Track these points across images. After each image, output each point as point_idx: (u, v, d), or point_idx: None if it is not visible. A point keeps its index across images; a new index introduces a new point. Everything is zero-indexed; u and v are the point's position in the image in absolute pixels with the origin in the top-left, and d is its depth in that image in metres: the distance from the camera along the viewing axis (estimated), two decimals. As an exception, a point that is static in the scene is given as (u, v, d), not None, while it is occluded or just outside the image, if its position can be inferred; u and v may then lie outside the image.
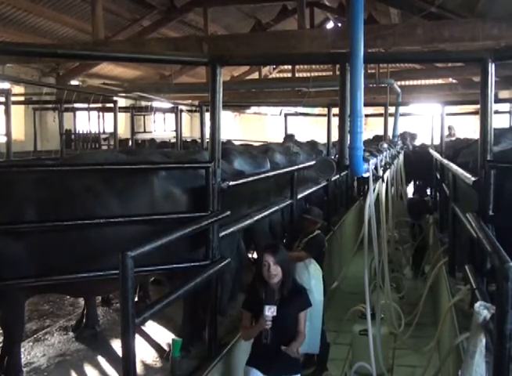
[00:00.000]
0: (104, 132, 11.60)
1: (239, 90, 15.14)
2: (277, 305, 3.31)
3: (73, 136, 11.82)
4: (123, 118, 14.73)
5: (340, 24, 16.41)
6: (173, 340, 3.47)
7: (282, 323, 3.34)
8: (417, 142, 15.12)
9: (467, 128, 19.92)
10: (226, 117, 24.37)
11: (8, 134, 7.20)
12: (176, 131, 10.48)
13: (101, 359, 3.91)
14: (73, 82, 14.11)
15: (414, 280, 7.34)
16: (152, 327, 4.39)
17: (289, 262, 3.54)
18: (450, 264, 4.90)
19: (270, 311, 3.25)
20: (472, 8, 8.63)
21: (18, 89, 13.05)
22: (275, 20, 15.54)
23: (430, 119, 10.95)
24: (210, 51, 9.20)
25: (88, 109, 10.62)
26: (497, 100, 9.37)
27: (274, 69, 22.24)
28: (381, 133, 11.64)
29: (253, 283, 3.61)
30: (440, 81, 18.05)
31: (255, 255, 5.65)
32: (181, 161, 4.47)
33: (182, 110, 11.33)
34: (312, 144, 10.57)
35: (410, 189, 13.88)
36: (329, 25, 18.11)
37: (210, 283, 3.66)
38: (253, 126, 25.92)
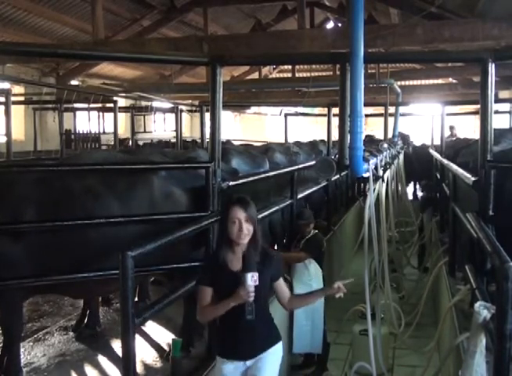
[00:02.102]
0: (104, 132, 11.60)
1: (239, 90, 15.14)
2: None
3: (73, 136, 11.81)
4: (123, 118, 14.73)
5: (340, 24, 16.41)
6: (173, 340, 3.47)
7: (257, 292, 2.75)
8: (415, 143, 15.14)
9: (467, 128, 19.93)
10: (226, 117, 24.36)
11: (8, 134, 7.20)
12: (176, 131, 10.48)
13: (101, 359, 3.91)
14: (73, 82, 14.11)
15: (419, 276, 7.33)
16: (152, 327, 4.39)
17: (257, 219, 2.92)
18: (450, 264, 4.90)
19: (253, 279, 2.67)
20: (472, 8, 8.63)
21: (18, 89, 13.05)
22: (275, 20, 15.54)
23: (430, 119, 10.95)
24: (210, 51, 9.20)
25: (88, 109, 10.62)
26: (497, 100, 9.36)
27: (274, 69, 22.24)
28: (380, 133, 11.66)
29: (213, 251, 3.09)
30: (440, 81, 18.04)
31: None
32: (181, 161, 4.47)
33: (182, 110, 11.33)
34: (313, 144, 10.58)
35: (410, 190, 13.87)
36: (329, 25, 18.10)
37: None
38: (253, 126, 25.92)
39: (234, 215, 2.78)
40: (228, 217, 2.80)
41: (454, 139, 11.82)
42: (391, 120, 10.65)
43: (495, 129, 3.64)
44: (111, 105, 9.94)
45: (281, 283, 2.99)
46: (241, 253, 2.83)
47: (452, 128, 13.53)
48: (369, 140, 11.63)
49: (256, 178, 4.54)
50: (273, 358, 2.93)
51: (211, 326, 3.67)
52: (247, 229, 2.78)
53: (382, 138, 12.84)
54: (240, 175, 4.75)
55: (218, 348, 2.99)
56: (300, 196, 5.48)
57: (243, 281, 2.67)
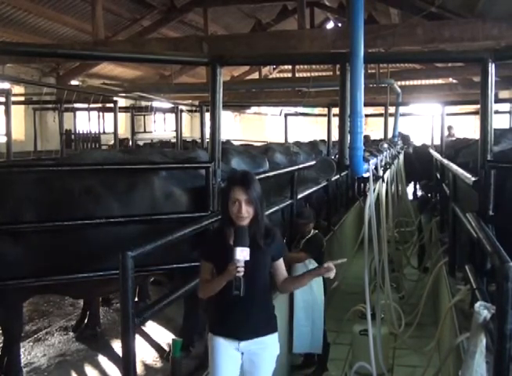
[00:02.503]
0: (104, 132, 11.59)
1: (239, 90, 15.14)
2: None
3: (73, 136, 11.81)
4: (123, 118, 14.73)
5: (340, 24, 16.43)
6: (173, 340, 3.46)
7: (252, 272, 2.65)
8: (415, 143, 15.13)
9: (467, 128, 19.94)
10: (226, 117, 24.37)
11: (8, 134, 7.20)
12: (176, 131, 10.48)
13: (101, 359, 3.91)
14: (74, 82, 14.11)
15: (419, 276, 7.33)
16: (152, 327, 4.39)
17: (262, 200, 2.76)
18: (450, 264, 4.90)
19: (242, 254, 2.56)
20: (472, 8, 8.64)
21: (18, 89, 13.05)
22: (275, 20, 15.55)
23: (430, 119, 10.95)
24: (210, 51, 9.20)
25: (88, 109, 10.62)
26: (497, 100, 9.36)
27: (274, 69, 22.25)
28: (380, 133, 11.66)
29: (217, 227, 2.99)
30: (440, 81, 18.05)
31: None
32: (181, 161, 4.47)
33: (182, 110, 11.33)
34: (313, 144, 10.58)
35: (410, 190, 13.87)
36: (330, 25, 18.11)
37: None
38: (253, 126, 25.93)
39: (234, 196, 2.67)
40: (228, 196, 2.70)
41: (454, 139, 11.81)
42: (391, 120, 10.65)
43: (495, 129, 3.64)
44: (111, 105, 9.94)
45: (280, 264, 2.88)
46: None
47: (450, 128, 13.53)
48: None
49: (256, 178, 4.53)
50: (270, 354, 2.84)
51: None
52: (247, 211, 2.66)
53: (378, 138, 12.90)
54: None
55: (209, 323, 2.92)
56: (300, 196, 5.48)
57: (232, 255, 2.58)
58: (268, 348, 2.81)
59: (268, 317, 2.84)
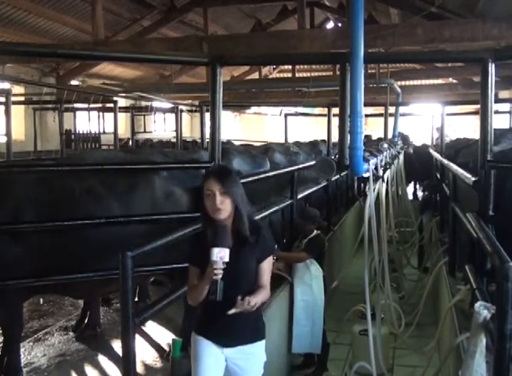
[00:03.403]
0: (104, 132, 11.60)
1: (239, 90, 15.14)
2: (231, 249, 2.46)
3: (73, 136, 11.82)
4: (123, 118, 14.73)
5: (340, 24, 16.43)
6: (173, 340, 3.47)
7: (236, 275, 2.52)
8: (416, 143, 15.14)
9: (467, 128, 19.95)
10: (226, 117, 24.37)
11: (8, 134, 7.20)
12: (176, 131, 10.48)
13: (101, 359, 3.91)
14: (74, 82, 14.11)
15: (419, 276, 7.33)
16: (152, 327, 4.39)
17: (242, 194, 2.59)
18: (450, 264, 4.90)
19: (219, 255, 2.40)
20: (472, 8, 8.64)
21: (18, 89, 13.05)
22: (275, 20, 15.55)
23: (430, 119, 10.95)
24: (210, 51, 9.20)
25: (88, 109, 10.62)
26: (497, 100, 9.37)
27: (274, 69, 22.25)
28: (380, 133, 11.66)
29: (201, 229, 2.78)
30: (440, 81, 18.05)
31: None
32: (182, 161, 4.47)
33: (182, 110, 11.33)
34: (314, 144, 10.59)
35: (410, 190, 13.88)
36: (330, 25, 18.11)
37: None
38: (253, 126, 25.94)
39: (207, 187, 2.52)
40: (203, 189, 2.56)
41: (447, 139, 11.78)
42: (391, 120, 10.65)
43: (495, 129, 3.64)
44: (111, 105, 9.94)
45: (263, 269, 2.66)
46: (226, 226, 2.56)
47: (438, 129, 13.52)
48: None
49: (256, 178, 4.54)
50: (256, 363, 2.73)
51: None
52: (222, 202, 2.49)
53: (377, 138, 12.91)
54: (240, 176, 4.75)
55: (195, 322, 2.79)
56: (300, 196, 5.48)
57: (209, 257, 2.43)
58: (253, 357, 2.70)
59: (254, 324, 2.69)
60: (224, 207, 2.51)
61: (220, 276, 2.42)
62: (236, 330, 2.61)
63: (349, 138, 3.93)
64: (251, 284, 2.62)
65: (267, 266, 2.68)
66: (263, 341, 2.74)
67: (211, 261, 2.42)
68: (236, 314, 2.52)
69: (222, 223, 2.53)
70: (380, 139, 11.40)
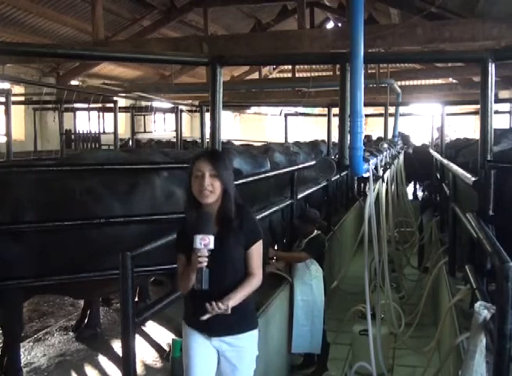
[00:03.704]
0: (104, 132, 11.59)
1: (239, 90, 15.14)
2: (216, 236, 2.37)
3: (73, 136, 11.81)
4: (123, 118, 14.73)
5: (340, 24, 16.42)
6: (173, 340, 3.46)
7: (223, 263, 2.44)
8: (416, 143, 15.15)
9: (467, 128, 19.95)
10: (226, 117, 24.38)
11: (8, 134, 7.20)
12: (176, 131, 10.48)
13: (101, 360, 3.91)
14: (74, 82, 14.11)
15: (419, 276, 7.33)
16: (152, 327, 4.39)
17: (231, 178, 2.51)
18: (450, 264, 4.90)
19: (203, 242, 2.32)
20: (472, 8, 8.63)
21: (18, 89, 13.05)
22: (275, 20, 15.54)
23: (430, 119, 10.95)
24: (210, 51, 9.20)
25: (88, 109, 10.62)
26: (497, 100, 9.36)
27: (274, 69, 22.25)
28: (380, 133, 11.66)
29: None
30: (440, 81, 18.05)
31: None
32: (182, 161, 4.47)
33: (182, 110, 11.33)
34: (315, 144, 10.59)
35: (410, 190, 13.88)
36: (330, 25, 18.11)
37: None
38: (253, 126, 25.94)
39: (197, 167, 2.43)
40: (191, 171, 2.46)
41: (446, 139, 11.78)
42: (391, 120, 10.65)
43: (495, 129, 3.64)
44: (111, 105, 9.94)
45: (252, 254, 2.54)
46: (211, 212, 2.47)
47: (438, 129, 13.53)
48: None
49: (256, 178, 4.54)
50: (246, 357, 2.61)
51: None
52: (211, 184, 2.40)
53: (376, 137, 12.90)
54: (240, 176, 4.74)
55: (184, 311, 2.70)
56: (300, 196, 5.48)
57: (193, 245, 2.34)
58: (243, 351, 2.59)
59: (243, 314, 2.56)
60: (212, 190, 2.42)
61: (205, 264, 2.34)
62: (223, 319, 2.46)
63: (349, 138, 3.94)
64: (240, 272, 2.53)
65: (255, 252, 2.56)
66: (253, 333, 2.63)
67: (195, 248, 2.34)
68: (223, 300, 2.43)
69: (206, 209, 2.45)
70: (380, 139, 11.41)
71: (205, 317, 2.40)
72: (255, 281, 2.54)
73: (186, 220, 2.53)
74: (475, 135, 11.77)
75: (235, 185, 2.58)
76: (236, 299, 2.44)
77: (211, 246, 2.34)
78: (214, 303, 2.36)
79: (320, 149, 10.06)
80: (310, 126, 22.96)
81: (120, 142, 12.85)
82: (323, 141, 11.04)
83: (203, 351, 2.59)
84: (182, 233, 2.56)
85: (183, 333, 2.65)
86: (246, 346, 2.60)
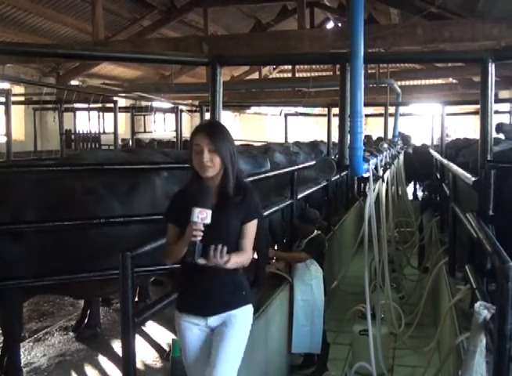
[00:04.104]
0: (104, 132, 11.60)
1: (239, 90, 15.14)
2: (213, 211, 2.31)
3: (73, 136, 11.81)
4: (123, 118, 14.73)
5: (340, 24, 16.42)
6: (173, 340, 3.46)
7: (217, 238, 2.36)
8: (416, 143, 15.15)
9: (467, 128, 19.96)
10: (226, 117, 24.37)
11: (8, 134, 7.20)
12: (176, 131, 10.48)
13: (101, 360, 3.91)
14: (74, 82, 14.11)
15: (419, 276, 7.34)
16: (152, 327, 4.39)
17: (232, 152, 2.45)
18: (450, 264, 4.90)
19: (200, 216, 2.27)
20: (472, 8, 8.64)
21: (18, 89, 13.05)
22: (275, 20, 15.54)
23: (430, 119, 10.95)
24: (210, 51, 9.20)
25: (88, 109, 10.62)
26: (497, 100, 9.36)
27: (274, 69, 22.25)
28: (380, 133, 11.66)
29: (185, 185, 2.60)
30: (440, 81, 18.06)
31: (255, 256, 5.64)
32: (182, 161, 4.47)
33: (182, 110, 11.33)
34: (315, 144, 10.59)
35: (410, 190, 13.88)
36: (330, 25, 18.11)
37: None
38: (253, 126, 25.94)
39: (196, 142, 2.40)
40: (191, 145, 2.44)
41: (448, 139, 11.80)
42: (391, 120, 10.65)
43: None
44: (111, 105, 9.94)
45: (248, 229, 2.50)
46: (211, 186, 2.42)
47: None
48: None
49: (256, 178, 4.54)
50: (240, 322, 2.53)
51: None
52: (210, 160, 2.36)
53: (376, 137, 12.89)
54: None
55: (176, 300, 2.64)
56: (300, 196, 5.48)
57: (190, 217, 2.28)
58: (236, 321, 2.52)
59: (237, 289, 2.54)
60: (212, 165, 2.38)
61: (199, 238, 2.29)
62: (217, 296, 2.48)
63: (349, 138, 3.94)
64: (232, 247, 2.43)
65: (250, 230, 2.51)
66: (249, 306, 2.58)
67: (191, 221, 2.28)
68: (215, 278, 2.43)
69: (207, 183, 2.41)
70: (380, 139, 11.41)
71: (202, 262, 2.32)
72: (247, 256, 2.49)
73: (185, 191, 2.51)
74: (475, 135, 11.78)
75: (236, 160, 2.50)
76: (232, 261, 2.36)
77: (208, 221, 2.29)
78: (219, 246, 2.29)
79: (320, 149, 10.06)
80: (310, 126, 22.97)
81: (122, 142, 12.94)
82: (322, 141, 11.05)
83: (198, 337, 2.54)
84: (177, 203, 2.51)
85: (176, 323, 2.58)
86: (240, 317, 2.53)
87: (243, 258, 2.47)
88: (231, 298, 2.51)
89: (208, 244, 2.30)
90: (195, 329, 2.54)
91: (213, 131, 2.44)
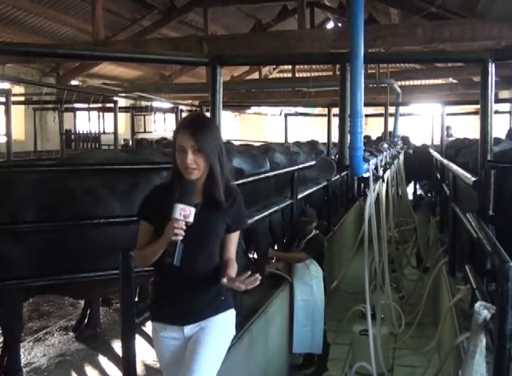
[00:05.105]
0: (104, 132, 11.60)
1: (239, 90, 15.14)
2: (197, 210, 2.14)
3: (73, 136, 11.81)
4: (123, 118, 14.73)
5: (340, 24, 16.42)
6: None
7: (199, 240, 2.22)
8: (416, 143, 15.14)
9: (467, 128, 19.94)
10: (226, 117, 24.37)
11: (8, 134, 7.20)
12: (176, 131, 10.45)
13: (101, 360, 3.91)
14: (74, 82, 14.11)
15: (419, 276, 7.34)
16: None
17: (219, 151, 2.23)
18: (450, 264, 4.90)
19: (184, 213, 2.09)
20: (472, 8, 8.63)
21: (18, 89, 13.04)
22: (275, 20, 15.54)
23: (431, 119, 10.95)
24: (210, 51, 9.20)
25: (88, 109, 10.62)
26: (497, 100, 9.36)
27: (274, 69, 22.24)
28: (380, 133, 11.68)
29: (166, 181, 2.39)
30: (440, 81, 18.05)
31: (255, 255, 5.65)
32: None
33: (182, 110, 11.33)
34: (313, 144, 10.59)
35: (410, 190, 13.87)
36: (330, 25, 18.11)
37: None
38: (253, 126, 25.93)
39: (179, 142, 2.18)
40: (174, 143, 2.22)
41: (453, 139, 11.81)
42: (391, 120, 10.65)
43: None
44: (111, 105, 9.94)
45: (233, 238, 2.34)
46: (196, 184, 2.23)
47: (448, 128, 13.54)
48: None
49: (256, 178, 4.54)
50: (219, 328, 2.31)
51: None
52: (194, 161, 2.16)
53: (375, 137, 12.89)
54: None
55: (150, 309, 2.42)
56: (300, 196, 5.48)
57: (172, 213, 2.10)
58: (218, 327, 2.31)
59: (217, 294, 2.31)
60: (196, 167, 2.18)
61: (180, 237, 2.09)
62: (195, 304, 2.26)
63: (349, 138, 3.94)
64: (213, 251, 2.29)
65: (236, 238, 2.36)
66: (230, 312, 2.37)
67: (173, 218, 2.09)
68: (194, 284, 2.25)
69: (191, 180, 2.21)
70: (379, 139, 11.42)
71: (224, 282, 2.16)
72: (236, 266, 2.31)
73: (164, 187, 2.32)
74: (475, 135, 11.77)
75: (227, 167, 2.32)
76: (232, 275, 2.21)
77: (191, 219, 2.11)
78: (229, 277, 2.16)
79: (320, 149, 10.06)
80: (310, 126, 22.96)
81: (124, 142, 12.95)
82: (317, 142, 11.04)
83: (174, 348, 2.33)
84: (155, 199, 2.30)
85: (153, 337, 2.39)
86: (219, 322, 2.32)
87: (235, 268, 2.29)
88: (210, 305, 2.30)
89: (188, 246, 2.13)
90: (170, 341, 2.33)
91: (198, 129, 2.18)
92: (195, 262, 2.23)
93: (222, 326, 2.33)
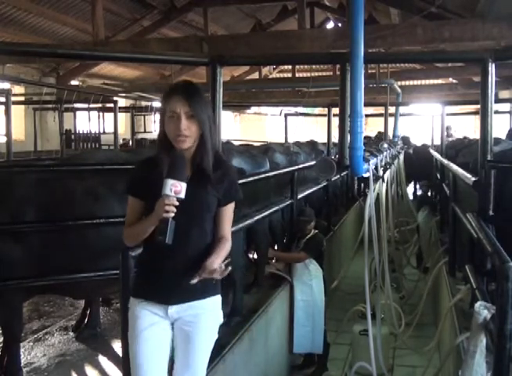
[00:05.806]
0: (104, 132, 11.60)
1: (239, 90, 15.13)
2: (187, 185, 2.03)
3: (73, 136, 11.82)
4: (123, 118, 14.73)
5: (340, 24, 16.42)
6: (173, 340, 3.45)
7: (191, 216, 2.12)
8: (416, 143, 15.15)
9: (467, 128, 19.94)
10: (226, 117, 24.37)
11: (8, 134, 7.20)
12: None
13: (101, 359, 3.91)
14: (74, 82, 14.11)
15: (419, 276, 7.34)
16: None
17: (210, 119, 2.14)
18: (450, 264, 4.90)
19: (174, 189, 1.99)
20: (472, 8, 8.63)
21: (18, 89, 13.05)
22: (275, 20, 15.54)
23: (431, 119, 10.96)
24: (210, 51, 9.20)
25: (88, 109, 10.63)
26: (497, 100, 9.36)
27: (274, 69, 22.24)
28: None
29: (154, 154, 2.23)
30: (440, 81, 18.05)
31: (255, 255, 5.65)
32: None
33: (182, 110, 11.31)
34: (313, 144, 10.59)
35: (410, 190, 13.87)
36: (330, 25, 18.11)
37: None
38: (253, 126, 25.93)
39: (171, 108, 2.07)
40: (165, 109, 2.10)
41: (453, 139, 11.82)
42: (391, 120, 10.65)
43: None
44: (111, 105, 9.94)
45: (225, 213, 2.22)
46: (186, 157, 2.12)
47: (448, 128, 13.55)
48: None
49: (256, 178, 4.53)
50: (208, 321, 2.21)
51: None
52: (188, 128, 2.06)
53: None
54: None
55: (132, 285, 2.31)
56: (300, 196, 5.48)
57: (162, 189, 2.00)
58: (205, 313, 2.20)
59: (206, 278, 2.13)
60: (189, 134, 2.08)
61: (172, 214, 2.00)
62: (185, 282, 2.08)
63: (349, 138, 3.94)
64: (206, 227, 2.19)
65: (230, 213, 2.24)
66: (217, 297, 2.26)
67: (163, 194, 1.99)
68: (185, 262, 2.13)
69: (181, 152, 2.09)
70: (379, 138, 11.42)
71: (194, 281, 2.06)
72: (228, 245, 2.20)
73: (153, 161, 2.17)
74: (475, 135, 11.78)
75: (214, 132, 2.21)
76: (217, 262, 2.08)
77: (182, 195, 2.01)
78: (209, 260, 2.05)
79: (319, 148, 10.06)
80: (310, 126, 22.96)
81: (123, 141, 12.94)
82: (317, 142, 11.04)
83: (155, 327, 2.18)
84: (143, 173, 2.20)
85: (130, 311, 2.24)
86: (208, 309, 2.22)
87: (227, 247, 2.18)
88: (199, 287, 2.11)
89: (181, 223, 2.03)
90: (152, 318, 2.18)
91: (192, 94, 2.09)
92: (187, 238, 2.12)
93: (211, 312, 2.22)
